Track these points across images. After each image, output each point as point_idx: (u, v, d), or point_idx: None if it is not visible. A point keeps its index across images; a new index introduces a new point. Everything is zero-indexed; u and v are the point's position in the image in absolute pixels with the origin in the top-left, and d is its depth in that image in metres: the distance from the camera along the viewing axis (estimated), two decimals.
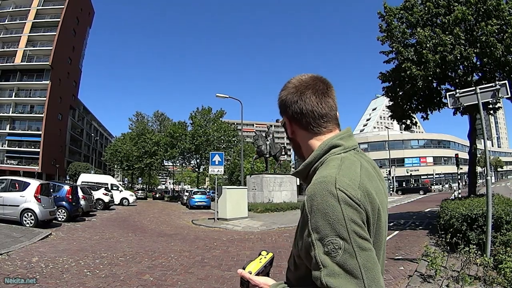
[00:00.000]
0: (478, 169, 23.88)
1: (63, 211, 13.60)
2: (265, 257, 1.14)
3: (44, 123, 51.17)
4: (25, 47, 52.41)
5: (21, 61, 51.85)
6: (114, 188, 27.42)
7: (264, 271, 1.12)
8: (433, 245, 7.26)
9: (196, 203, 26.21)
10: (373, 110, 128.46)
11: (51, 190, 12.95)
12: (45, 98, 51.83)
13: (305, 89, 1.08)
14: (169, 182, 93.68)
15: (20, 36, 52.68)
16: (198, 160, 47.43)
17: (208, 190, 38.83)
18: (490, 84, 6.39)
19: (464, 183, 44.95)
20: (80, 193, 15.89)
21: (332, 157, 1.00)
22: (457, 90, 6.83)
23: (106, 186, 25.57)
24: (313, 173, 1.02)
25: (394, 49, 11.23)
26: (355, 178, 0.92)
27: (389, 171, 48.49)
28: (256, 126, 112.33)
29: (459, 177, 31.23)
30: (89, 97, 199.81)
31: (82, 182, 25.68)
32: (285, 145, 29.27)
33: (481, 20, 9.72)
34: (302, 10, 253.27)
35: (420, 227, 11.75)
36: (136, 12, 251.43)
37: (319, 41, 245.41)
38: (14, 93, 52.56)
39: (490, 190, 6.17)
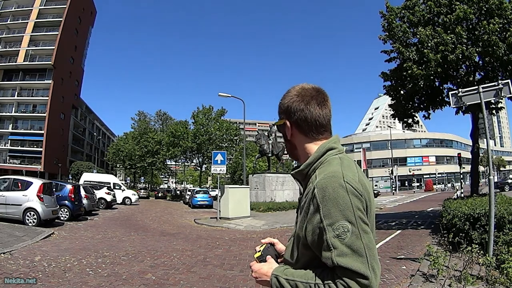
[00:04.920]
0: (481, 168, 23.76)
1: (66, 210, 13.65)
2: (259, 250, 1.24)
3: (47, 123, 51.35)
4: (28, 46, 52.54)
5: (24, 61, 52.02)
6: (116, 187, 27.51)
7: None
8: (435, 245, 7.25)
9: (198, 202, 26.23)
10: (375, 109, 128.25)
11: (54, 189, 13.01)
12: (47, 98, 52.01)
13: (310, 99, 1.19)
14: (172, 181, 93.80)
15: (23, 36, 52.84)
16: (200, 159, 47.47)
17: (210, 189, 38.85)
18: (493, 83, 6.35)
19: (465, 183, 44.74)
20: (83, 192, 15.93)
21: (331, 158, 1.13)
22: (460, 89, 6.78)
23: (109, 185, 25.60)
24: (313, 172, 1.13)
25: (395, 49, 11.18)
26: (355, 174, 1.07)
27: (392, 170, 48.39)
28: (258, 125, 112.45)
29: (461, 176, 31.04)
30: (91, 97, 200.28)
31: (85, 181, 25.83)
32: None
33: (483, 18, 9.65)
34: (304, 9, 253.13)
35: (422, 227, 11.72)
36: (139, 11, 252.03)
37: (322, 40, 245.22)
38: (16, 93, 52.80)
39: (493, 190, 6.14)
